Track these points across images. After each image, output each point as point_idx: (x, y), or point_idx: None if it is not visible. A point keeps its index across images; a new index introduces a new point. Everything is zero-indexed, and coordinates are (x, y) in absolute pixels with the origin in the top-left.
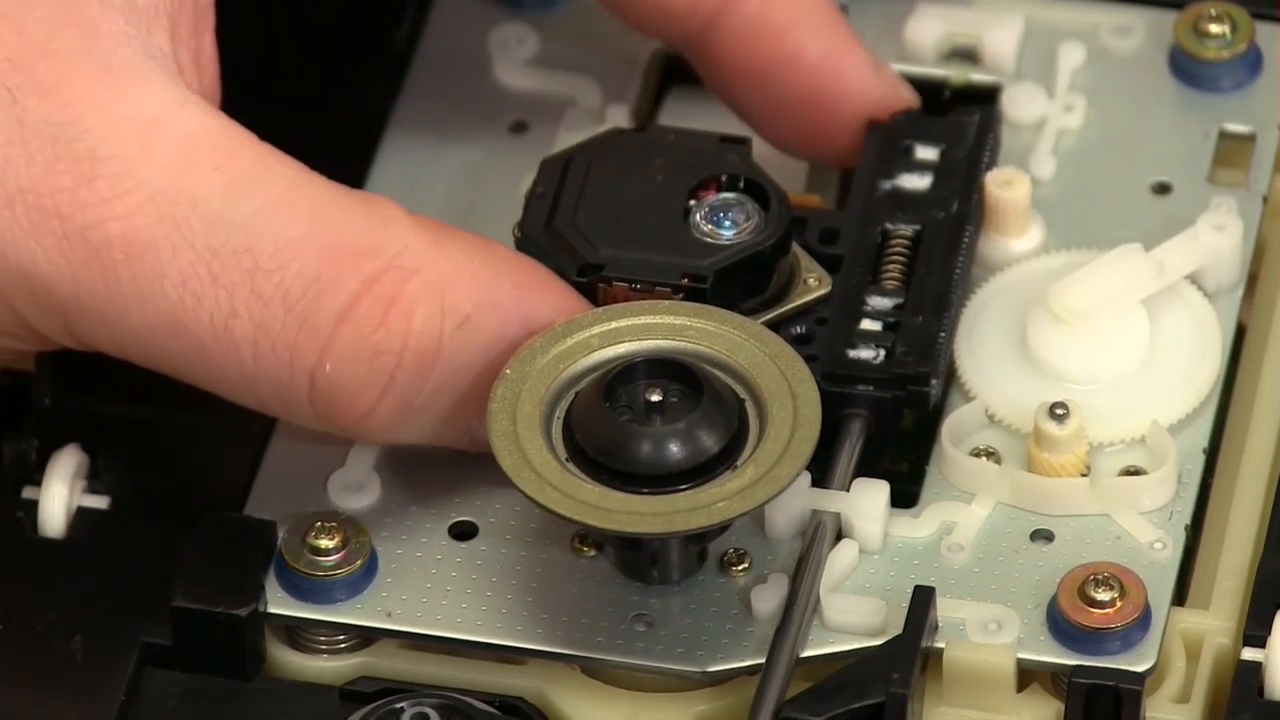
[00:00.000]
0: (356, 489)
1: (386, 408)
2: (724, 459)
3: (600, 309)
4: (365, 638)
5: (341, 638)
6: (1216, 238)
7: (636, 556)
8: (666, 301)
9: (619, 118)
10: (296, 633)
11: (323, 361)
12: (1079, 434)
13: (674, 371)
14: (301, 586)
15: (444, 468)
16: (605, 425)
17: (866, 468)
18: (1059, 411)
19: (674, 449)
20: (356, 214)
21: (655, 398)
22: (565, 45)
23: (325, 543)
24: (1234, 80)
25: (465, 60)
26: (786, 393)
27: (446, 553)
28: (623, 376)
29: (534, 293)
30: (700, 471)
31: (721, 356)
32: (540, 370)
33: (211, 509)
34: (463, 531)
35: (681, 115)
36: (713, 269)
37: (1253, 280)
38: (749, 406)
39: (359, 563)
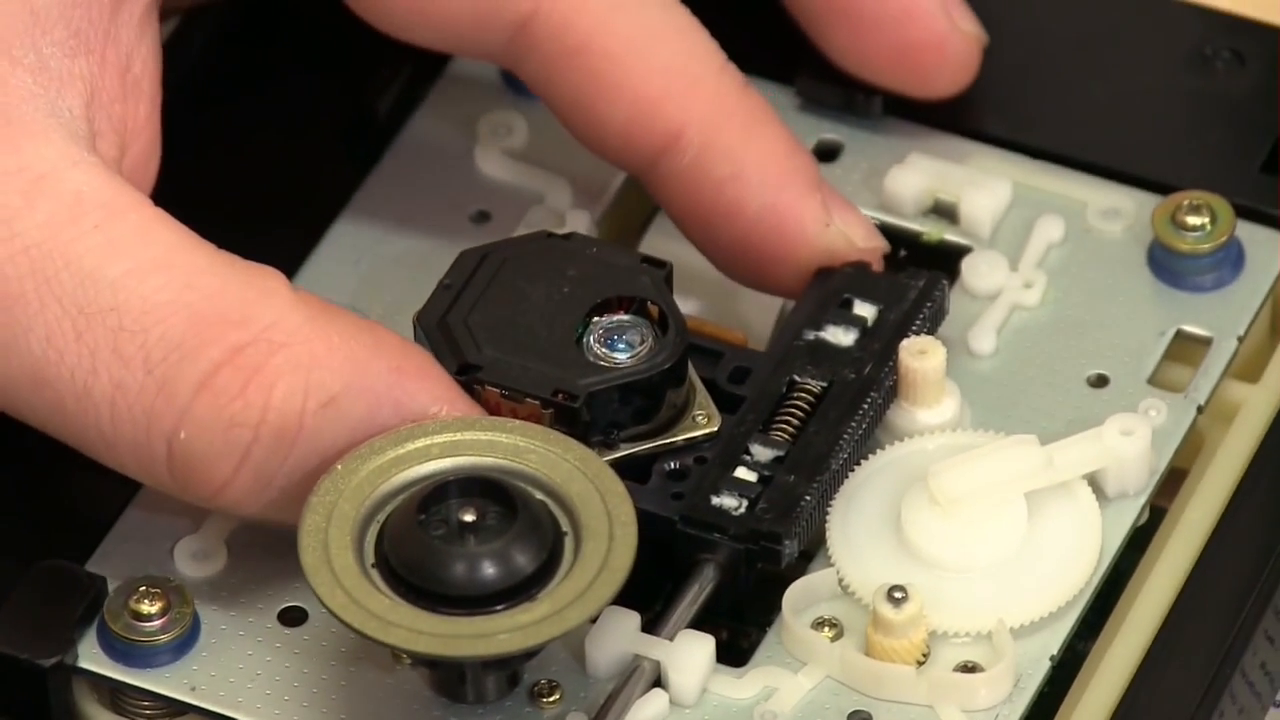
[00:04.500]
0: (202, 557)
1: (243, 481)
2: (523, 589)
3: (448, 419)
4: (177, 710)
5: (161, 706)
6: (1120, 442)
7: (437, 672)
8: (517, 422)
9: (579, 223)
10: (119, 695)
11: (178, 429)
12: (915, 620)
13: (493, 494)
14: (117, 648)
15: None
16: (406, 536)
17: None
18: (897, 595)
19: (461, 571)
20: (233, 284)
21: (469, 518)
22: (554, 140)
23: (147, 608)
24: (1216, 278)
25: (450, 141)
26: (605, 534)
27: (269, 635)
28: (438, 493)
29: (411, 379)
30: (496, 599)
31: (554, 485)
32: (372, 472)
33: (55, 555)
34: (293, 617)
35: None
36: (587, 389)
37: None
38: (569, 540)
39: (176, 632)
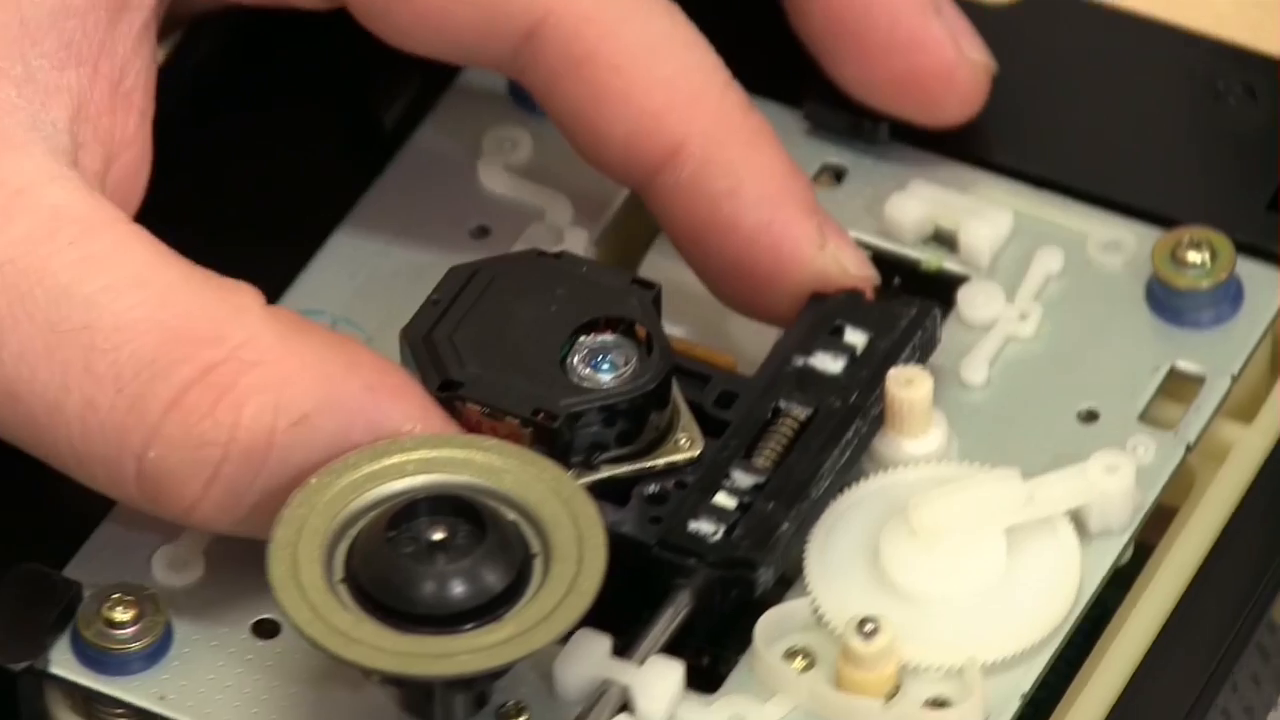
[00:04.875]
0: (179, 566)
1: (213, 499)
2: (490, 610)
3: (424, 435)
4: (149, 718)
5: (134, 714)
6: (1104, 479)
7: (405, 691)
8: (494, 440)
9: (577, 241)
10: (92, 704)
11: (148, 447)
12: (886, 653)
13: (464, 512)
14: (89, 655)
15: None
16: (374, 553)
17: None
18: (868, 628)
19: (427, 590)
20: (207, 301)
21: (438, 536)
22: (558, 156)
23: (119, 615)
24: (1215, 315)
25: (454, 154)
26: (575, 557)
27: (241, 647)
28: (408, 510)
29: (386, 397)
30: (462, 619)
31: (528, 506)
32: (346, 487)
33: (34, 560)
34: (267, 630)
35: None
36: (567, 409)
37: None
38: (539, 562)
39: (148, 640)
